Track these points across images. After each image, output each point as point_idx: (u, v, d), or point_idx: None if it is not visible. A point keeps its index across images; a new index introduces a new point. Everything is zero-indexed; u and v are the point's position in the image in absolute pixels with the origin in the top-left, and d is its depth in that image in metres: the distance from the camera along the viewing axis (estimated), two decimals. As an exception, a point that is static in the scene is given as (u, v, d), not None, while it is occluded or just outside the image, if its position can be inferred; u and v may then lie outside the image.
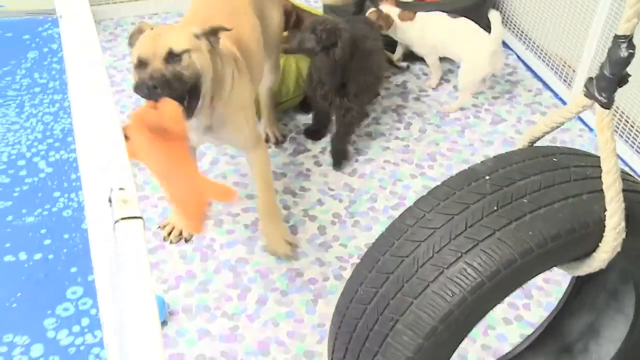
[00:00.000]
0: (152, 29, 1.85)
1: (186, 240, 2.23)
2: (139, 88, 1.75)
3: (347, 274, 2.16)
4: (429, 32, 2.87)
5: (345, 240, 2.27)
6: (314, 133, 2.69)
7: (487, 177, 1.24)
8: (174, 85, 1.76)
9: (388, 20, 2.88)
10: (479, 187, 1.23)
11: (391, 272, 1.22)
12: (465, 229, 1.18)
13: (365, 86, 2.50)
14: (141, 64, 1.78)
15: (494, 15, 2.74)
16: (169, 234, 2.23)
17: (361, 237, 2.28)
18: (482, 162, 1.30)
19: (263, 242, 2.22)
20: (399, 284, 1.20)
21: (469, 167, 1.30)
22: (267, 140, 2.65)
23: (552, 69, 3.02)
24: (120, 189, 0.84)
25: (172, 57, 1.78)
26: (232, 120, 1.98)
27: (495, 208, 1.19)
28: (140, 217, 0.83)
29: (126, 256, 0.83)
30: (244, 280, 2.12)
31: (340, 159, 2.57)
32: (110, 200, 0.85)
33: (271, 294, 2.08)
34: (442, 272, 1.16)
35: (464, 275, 1.14)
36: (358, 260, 2.16)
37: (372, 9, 2.89)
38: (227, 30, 1.88)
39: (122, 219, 0.82)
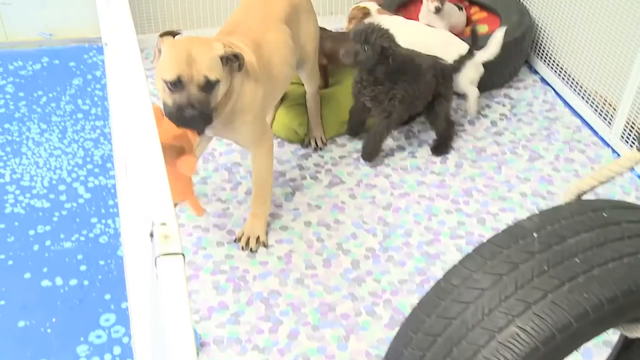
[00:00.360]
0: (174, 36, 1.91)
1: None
2: (174, 112, 1.80)
3: (379, 309, 2.10)
4: (404, 32, 2.76)
5: (378, 276, 2.22)
6: (351, 129, 2.77)
7: (535, 235, 1.17)
8: (206, 116, 1.86)
9: (364, 10, 2.91)
10: (527, 245, 1.16)
11: (439, 335, 1.16)
12: (516, 290, 1.12)
13: (410, 96, 2.55)
14: (179, 84, 1.82)
15: (497, 34, 2.85)
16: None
17: (395, 272, 2.23)
18: (528, 217, 1.25)
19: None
20: (447, 347, 1.13)
21: (514, 224, 1.24)
22: (307, 145, 2.73)
23: (592, 107, 2.96)
24: (162, 224, 0.83)
25: (208, 86, 1.85)
26: (238, 120, 2.06)
27: (546, 268, 1.12)
28: (182, 254, 0.81)
29: (166, 293, 0.81)
30: (275, 313, 2.08)
31: (369, 154, 2.65)
32: (151, 235, 0.83)
33: (303, 328, 2.04)
34: (493, 336, 1.09)
35: (516, 340, 1.07)
36: (391, 296, 2.14)
37: (355, 5, 2.96)
38: (242, 60, 1.95)
39: (164, 254, 0.80)
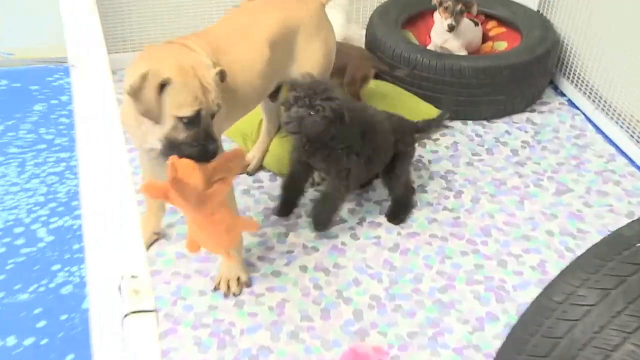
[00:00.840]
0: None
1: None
2: (190, 148, 1.83)
3: (387, 368, 2.08)
4: None
5: (384, 328, 2.20)
6: (284, 207, 2.59)
7: (639, 245, 1.24)
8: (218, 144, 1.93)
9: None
10: (632, 257, 1.23)
11: (546, 356, 1.22)
12: (626, 305, 1.18)
13: (370, 150, 2.46)
14: (197, 119, 1.83)
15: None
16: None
17: (403, 324, 2.22)
18: (628, 225, 1.31)
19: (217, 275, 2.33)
20: None
21: (614, 232, 1.30)
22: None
23: (628, 132, 2.97)
24: (132, 276, 0.82)
25: (215, 114, 1.91)
26: None
27: None
28: (154, 311, 0.80)
29: (136, 356, 0.79)
30: (266, 373, 2.06)
31: (323, 223, 2.54)
32: (120, 290, 0.82)
33: (298, 391, 2.01)
34: (608, 355, 1.15)
35: (634, 359, 1.13)
36: (399, 352, 2.12)
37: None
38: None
39: (133, 312, 0.79)
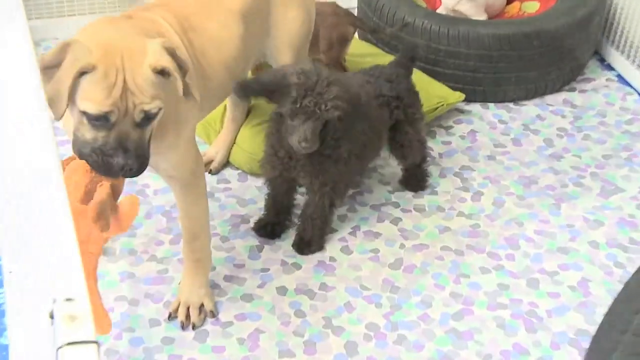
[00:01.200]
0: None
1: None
2: (95, 157, 1.82)
3: (387, 416, 2.12)
4: None
5: (385, 365, 2.24)
6: (269, 228, 2.63)
7: None
8: (143, 159, 1.86)
9: None
10: None
11: None
12: None
13: (361, 145, 2.48)
14: (104, 120, 1.80)
15: None
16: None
17: (408, 359, 2.25)
18: None
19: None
20: None
21: None
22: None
23: (690, 116, 3.02)
24: (68, 299, 0.84)
25: (145, 120, 1.85)
26: (169, 137, 2.05)
27: None
28: (95, 342, 0.83)
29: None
30: (235, 423, 2.09)
31: (309, 247, 2.58)
32: (52, 316, 0.84)
33: None
34: None
35: None
36: (404, 396, 2.15)
37: None
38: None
39: (68, 344, 0.81)
